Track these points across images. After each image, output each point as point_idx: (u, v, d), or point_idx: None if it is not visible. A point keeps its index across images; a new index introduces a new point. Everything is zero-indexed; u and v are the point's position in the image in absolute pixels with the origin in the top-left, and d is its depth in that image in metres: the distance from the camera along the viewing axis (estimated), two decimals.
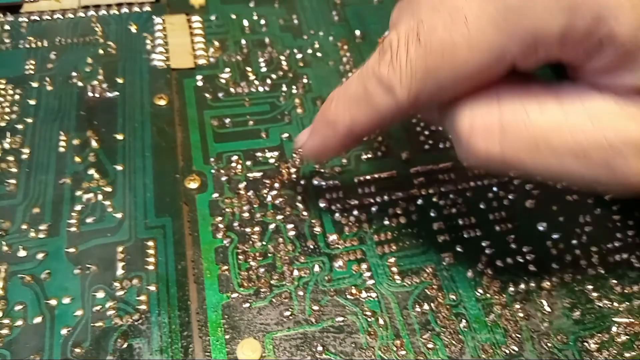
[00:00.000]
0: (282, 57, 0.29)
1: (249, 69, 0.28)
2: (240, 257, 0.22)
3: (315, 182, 0.24)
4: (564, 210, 0.24)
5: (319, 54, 0.30)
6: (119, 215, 0.22)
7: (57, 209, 0.22)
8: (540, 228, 0.24)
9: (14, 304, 0.20)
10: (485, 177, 0.25)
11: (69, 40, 0.29)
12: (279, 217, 0.23)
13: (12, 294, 0.20)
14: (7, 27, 0.30)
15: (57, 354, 0.19)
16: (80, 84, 0.27)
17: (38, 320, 0.19)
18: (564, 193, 0.25)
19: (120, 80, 0.27)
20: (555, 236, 0.23)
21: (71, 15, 0.30)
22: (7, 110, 0.26)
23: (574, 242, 0.23)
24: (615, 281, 0.22)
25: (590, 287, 0.22)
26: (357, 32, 0.31)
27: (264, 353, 0.19)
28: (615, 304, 0.22)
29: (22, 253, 0.21)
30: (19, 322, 0.19)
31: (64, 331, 0.19)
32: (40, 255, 0.21)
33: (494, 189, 0.25)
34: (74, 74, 0.27)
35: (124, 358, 0.19)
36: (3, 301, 0.20)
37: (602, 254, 0.23)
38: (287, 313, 0.20)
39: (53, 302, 0.20)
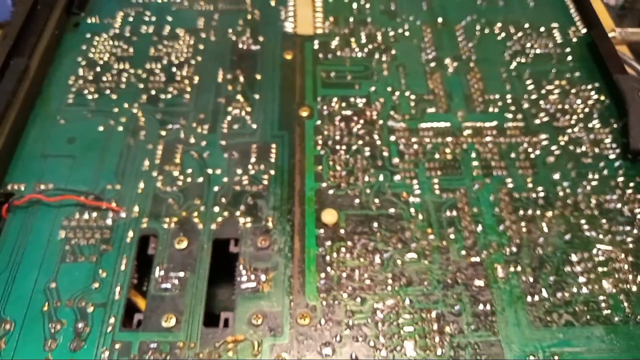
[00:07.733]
0: (378, 33, 0.39)
1: (352, 39, 0.38)
2: (331, 163, 0.31)
3: (389, 123, 0.33)
4: (578, 167, 0.32)
5: (406, 34, 0.39)
6: (254, 126, 0.33)
7: (215, 116, 0.34)
8: (555, 177, 0.31)
9: (186, 169, 0.31)
10: (520, 135, 0.33)
11: (228, 7, 0.40)
12: (360, 142, 0.32)
13: (186, 164, 0.31)
14: None
15: (211, 201, 0.30)
16: (234, 38, 0.38)
17: (200, 180, 0.31)
18: (580, 156, 0.32)
19: (261, 39, 0.38)
20: (565, 184, 0.31)
21: None
22: (185, 50, 0.37)
23: (579, 190, 0.31)
24: (604, 221, 0.30)
25: (583, 221, 0.30)
26: (440, 19, 0.39)
27: (338, 220, 0.29)
28: (601, 236, 0.29)
29: (192, 140, 0.32)
30: (189, 179, 0.31)
31: (215, 188, 0.30)
32: (203, 143, 0.32)
33: (525, 145, 0.33)
34: (230, 30, 0.39)
35: (250, 211, 0.29)
36: (180, 167, 0.31)
37: (599, 202, 0.30)
38: (357, 201, 0.30)
39: (210, 170, 0.31)
